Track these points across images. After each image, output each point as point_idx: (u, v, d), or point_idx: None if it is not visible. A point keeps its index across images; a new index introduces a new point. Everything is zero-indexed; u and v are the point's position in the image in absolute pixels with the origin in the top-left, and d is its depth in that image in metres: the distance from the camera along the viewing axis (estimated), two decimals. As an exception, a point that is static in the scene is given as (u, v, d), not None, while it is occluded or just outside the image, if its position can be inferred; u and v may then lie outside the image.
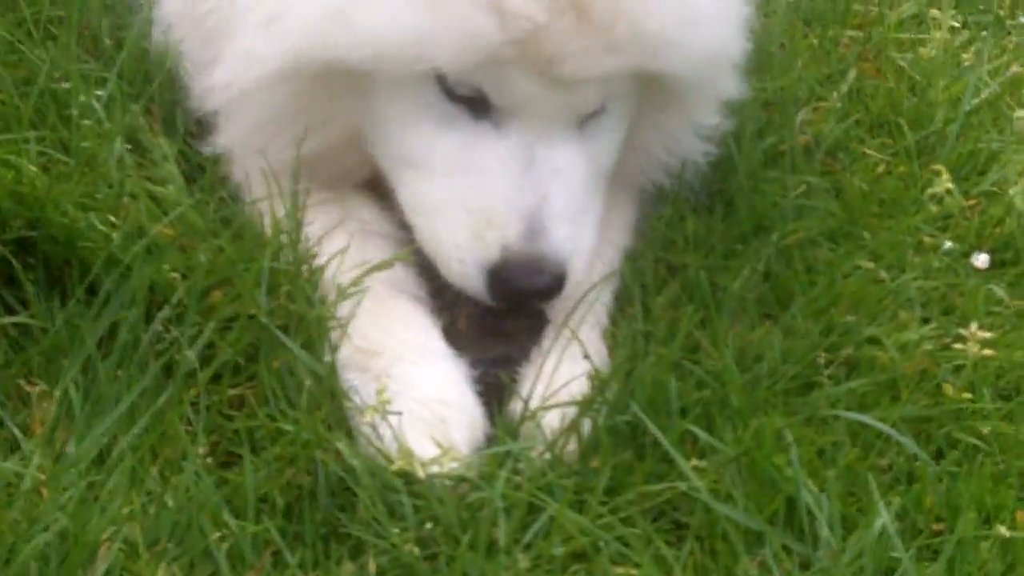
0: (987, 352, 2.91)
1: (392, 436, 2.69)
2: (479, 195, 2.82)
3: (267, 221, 2.94)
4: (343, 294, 2.83)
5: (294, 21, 2.79)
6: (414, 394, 2.76)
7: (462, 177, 2.83)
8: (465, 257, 2.80)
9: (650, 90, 2.92)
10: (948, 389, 2.86)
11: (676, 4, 2.79)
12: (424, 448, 2.67)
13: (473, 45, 2.70)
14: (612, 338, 2.90)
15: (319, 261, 2.88)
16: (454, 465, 2.66)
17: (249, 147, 2.97)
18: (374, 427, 2.70)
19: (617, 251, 3.06)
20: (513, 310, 2.86)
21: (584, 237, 2.86)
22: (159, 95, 3.07)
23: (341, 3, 2.75)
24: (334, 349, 2.79)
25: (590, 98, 2.83)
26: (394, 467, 2.64)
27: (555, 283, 2.79)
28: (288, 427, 2.67)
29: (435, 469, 2.64)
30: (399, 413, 2.69)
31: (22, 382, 2.74)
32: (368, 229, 2.96)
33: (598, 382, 2.79)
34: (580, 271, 2.84)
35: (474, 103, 2.81)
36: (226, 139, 3.00)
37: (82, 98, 2.99)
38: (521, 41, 2.70)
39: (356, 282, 2.83)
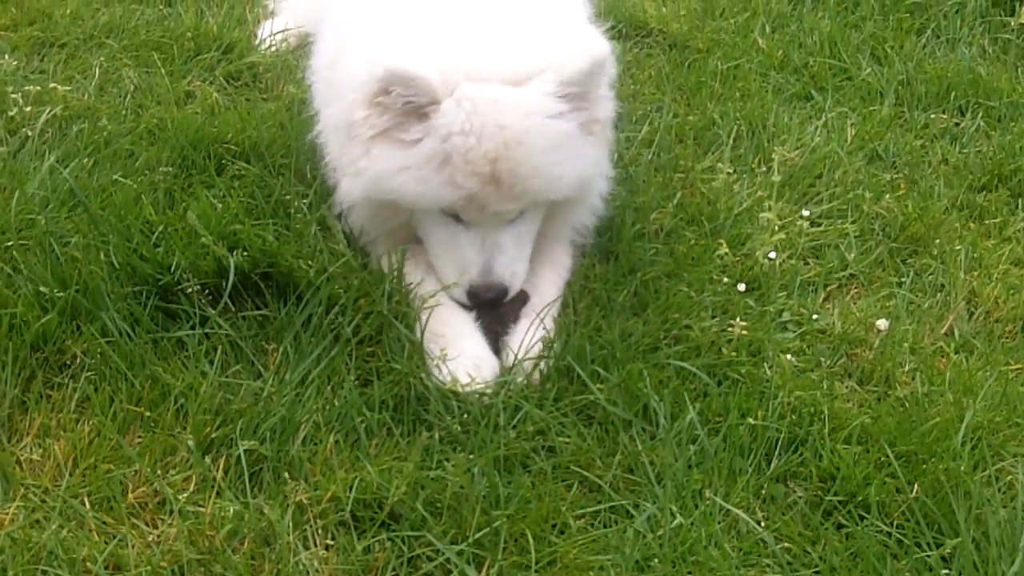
0: (744, 333, 2.97)
1: (448, 372, 2.76)
2: (459, 257, 2.87)
3: (383, 265, 2.97)
4: (423, 302, 2.88)
5: (365, 179, 2.85)
6: (460, 353, 2.81)
7: (452, 248, 2.88)
8: (454, 279, 2.88)
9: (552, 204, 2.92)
10: (725, 350, 2.93)
11: (552, 168, 2.79)
12: (464, 378, 2.74)
13: (444, 200, 2.77)
14: (556, 324, 2.94)
15: (409, 286, 2.93)
16: (480, 387, 2.73)
17: (362, 228, 3.02)
18: (439, 368, 2.77)
19: (561, 278, 3.06)
20: (487, 310, 2.89)
21: (518, 269, 2.89)
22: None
23: (383, 172, 2.80)
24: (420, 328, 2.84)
25: (510, 216, 2.84)
26: (448, 387, 2.73)
27: (499, 296, 2.86)
28: (397, 366, 2.75)
29: (469, 389, 2.72)
30: (455, 357, 2.77)
31: (264, 343, 2.82)
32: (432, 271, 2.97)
33: (549, 344, 2.86)
34: (518, 283, 2.89)
35: (457, 217, 2.84)
36: (352, 222, 3.02)
37: (296, 204, 3.09)
38: (469, 197, 2.76)
39: (430, 297, 2.88)
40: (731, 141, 3.86)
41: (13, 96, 3.52)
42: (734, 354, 2.94)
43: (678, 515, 2.51)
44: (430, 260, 2.93)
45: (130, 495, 2.47)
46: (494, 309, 2.90)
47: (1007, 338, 3.20)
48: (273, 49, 4.10)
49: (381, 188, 2.82)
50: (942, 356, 3.10)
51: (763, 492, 2.62)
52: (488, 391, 2.72)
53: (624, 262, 3.18)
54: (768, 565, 2.45)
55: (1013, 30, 4.68)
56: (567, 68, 2.77)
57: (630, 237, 3.26)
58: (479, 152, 2.73)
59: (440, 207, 2.82)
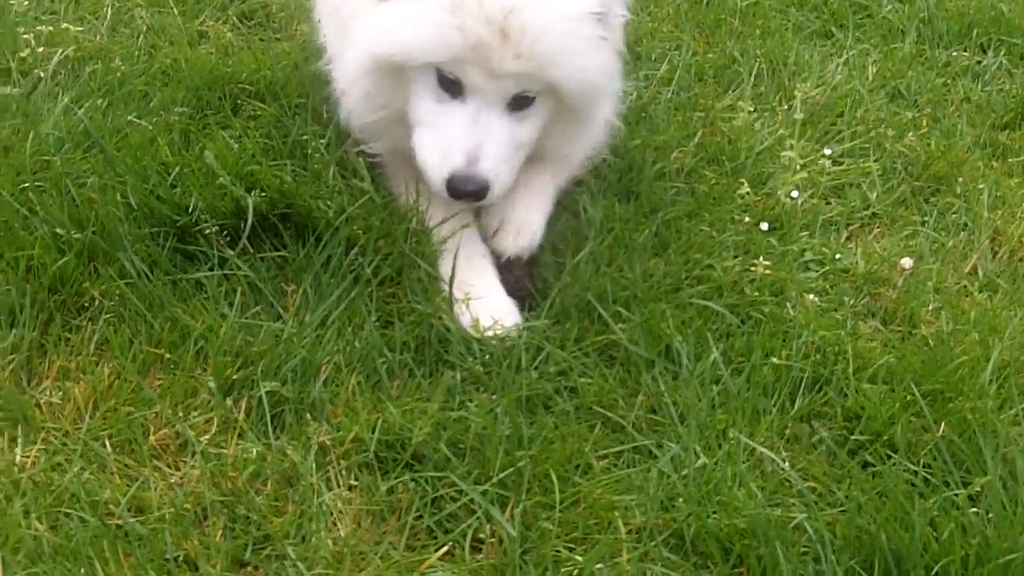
0: (767, 272, 2.94)
1: (471, 315, 2.72)
2: (445, 136, 2.73)
3: (401, 200, 2.91)
4: (443, 240, 2.83)
5: (376, 36, 2.74)
6: (486, 295, 2.77)
7: (439, 127, 2.74)
8: (435, 171, 2.73)
9: (559, 107, 2.80)
10: (747, 290, 2.90)
11: (560, 39, 2.67)
12: (488, 321, 2.71)
13: (450, 47, 2.65)
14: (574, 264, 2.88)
15: (432, 224, 2.87)
16: (500, 331, 2.69)
17: (355, 114, 2.89)
18: (462, 311, 2.73)
19: (553, 188, 2.99)
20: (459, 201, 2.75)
21: (503, 171, 2.74)
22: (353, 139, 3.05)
23: (395, 25, 2.71)
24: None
25: (511, 87, 2.70)
26: (471, 328, 2.69)
27: (481, 191, 2.71)
28: (418, 307, 2.71)
29: (490, 333, 2.68)
30: (480, 298, 2.73)
31: (283, 285, 2.78)
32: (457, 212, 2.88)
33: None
34: (500, 187, 2.74)
35: (452, 87, 2.71)
36: (346, 107, 2.90)
37: (313, 144, 3.03)
38: (473, 47, 2.64)
39: (450, 236, 2.83)
40: (751, 79, 3.80)
41: (25, 37, 3.46)
42: (757, 294, 2.91)
43: (702, 455, 2.49)
44: (414, 148, 2.79)
45: (151, 437, 2.44)
46: (472, 202, 2.77)
47: (1032, 277, 3.14)
48: (286, -12, 4.00)
49: (387, 44, 2.72)
50: (966, 295, 3.06)
51: (787, 432, 2.60)
52: (512, 335, 2.69)
53: (645, 202, 3.14)
54: (793, 504, 2.43)
55: (1036, -35, 4.58)
56: None
57: (651, 177, 3.21)
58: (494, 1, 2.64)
59: (444, 58, 2.69)
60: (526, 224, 2.89)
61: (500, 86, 2.70)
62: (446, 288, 2.79)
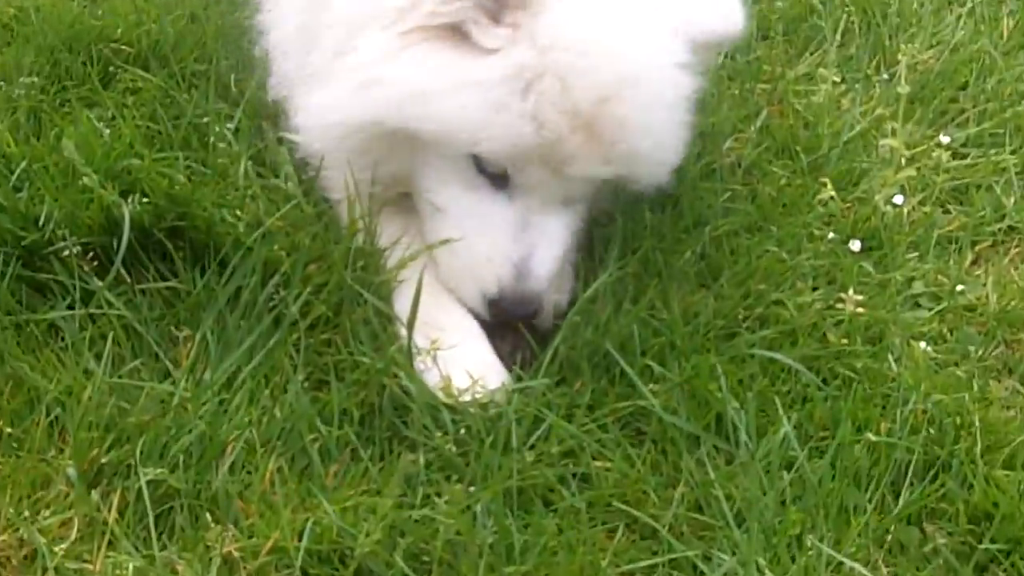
0: (859, 310, 2.96)
1: (439, 372, 2.74)
2: (486, 241, 2.84)
3: (344, 212, 2.94)
4: (402, 264, 2.87)
5: (387, 92, 2.77)
6: (460, 345, 2.81)
7: (474, 225, 2.84)
8: (473, 285, 2.84)
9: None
10: (831, 337, 2.92)
11: (658, 133, 2.82)
12: (463, 380, 2.73)
13: (514, 144, 2.73)
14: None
15: (384, 242, 2.92)
16: (481, 393, 2.71)
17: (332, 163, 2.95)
18: (426, 365, 2.76)
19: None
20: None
21: (564, 282, 2.91)
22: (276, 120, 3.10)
23: (426, 88, 2.74)
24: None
25: (581, 190, 2.86)
26: (440, 390, 2.71)
27: (534, 314, 2.84)
28: (364, 359, 2.72)
29: (467, 397, 2.71)
30: (453, 346, 2.77)
31: (173, 329, 2.79)
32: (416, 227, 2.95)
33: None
34: (558, 307, 2.87)
35: (495, 177, 2.81)
36: (312, 149, 2.96)
37: (217, 128, 3.03)
38: (547, 145, 2.73)
39: (410, 259, 2.87)
40: (837, 37, 3.85)
41: None
42: (845, 341, 2.94)
43: (767, 571, 2.50)
44: (434, 246, 2.90)
45: (-14, 546, 2.43)
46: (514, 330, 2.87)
47: None
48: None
49: (408, 112, 2.78)
50: None
51: (889, 539, 2.62)
52: (498, 399, 2.73)
53: (687, 211, 3.18)
54: (899, 642, 2.44)
55: None
56: (702, 23, 2.88)
57: (695, 175, 3.27)
58: (587, 83, 2.72)
59: (499, 154, 2.79)
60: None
61: (567, 189, 2.85)
62: (404, 333, 2.82)
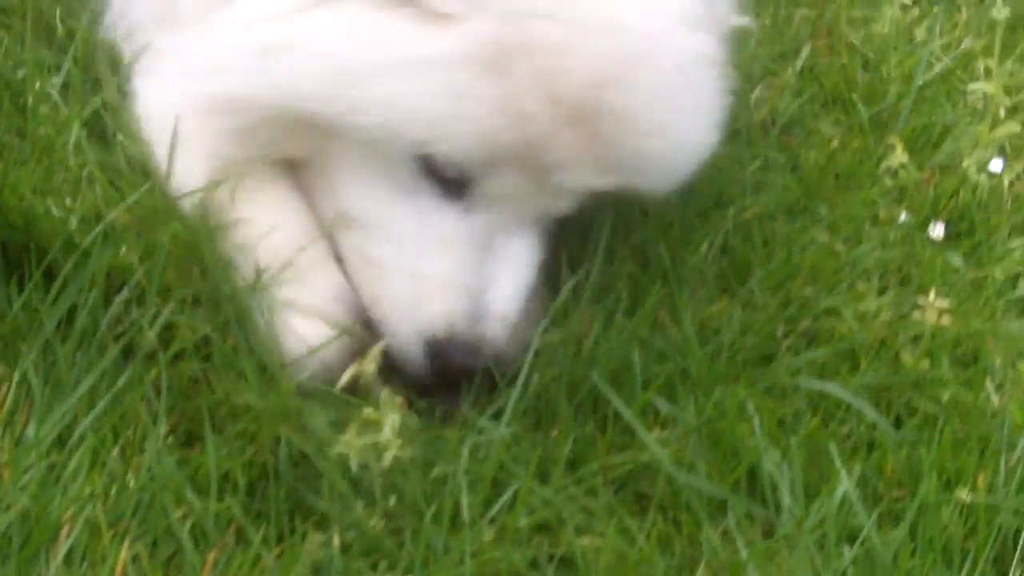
0: (944, 321, 3.00)
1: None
2: (431, 265, 2.87)
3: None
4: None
5: (300, 64, 2.81)
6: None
7: (416, 246, 2.89)
8: (406, 324, 2.87)
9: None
10: (906, 358, 2.95)
11: (677, 127, 2.87)
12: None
13: (484, 141, 2.76)
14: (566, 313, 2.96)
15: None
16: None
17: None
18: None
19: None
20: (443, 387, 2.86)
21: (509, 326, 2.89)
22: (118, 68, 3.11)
23: (360, 64, 2.78)
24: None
25: (566, 205, 2.91)
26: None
27: (489, 367, 2.85)
28: (252, 401, 2.73)
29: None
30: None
31: (-18, 364, 2.77)
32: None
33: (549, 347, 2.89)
34: (515, 352, 2.89)
35: (448, 183, 2.86)
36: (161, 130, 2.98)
37: (37, 85, 3.05)
38: (526, 144, 2.77)
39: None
40: (908, -58, 3.88)
41: None
42: (925, 364, 3.01)
43: None
44: (349, 269, 2.96)
45: None
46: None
47: None
48: None
49: (332, 96, 2.82)
50: None
51: (991, 633, 2.63)
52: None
53: (704, 189, 3.23)
54: None
55: None
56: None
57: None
58: (577, 62, 2.77)
59: (459, 156, 2.83)
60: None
61: (548, 203, 2.92)
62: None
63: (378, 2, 2.79)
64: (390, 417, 2.74)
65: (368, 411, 2.73)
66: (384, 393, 2.75)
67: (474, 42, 2.74)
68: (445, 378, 2.86)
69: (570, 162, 2.80)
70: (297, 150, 2.93)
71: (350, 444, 2.73)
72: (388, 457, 2.73)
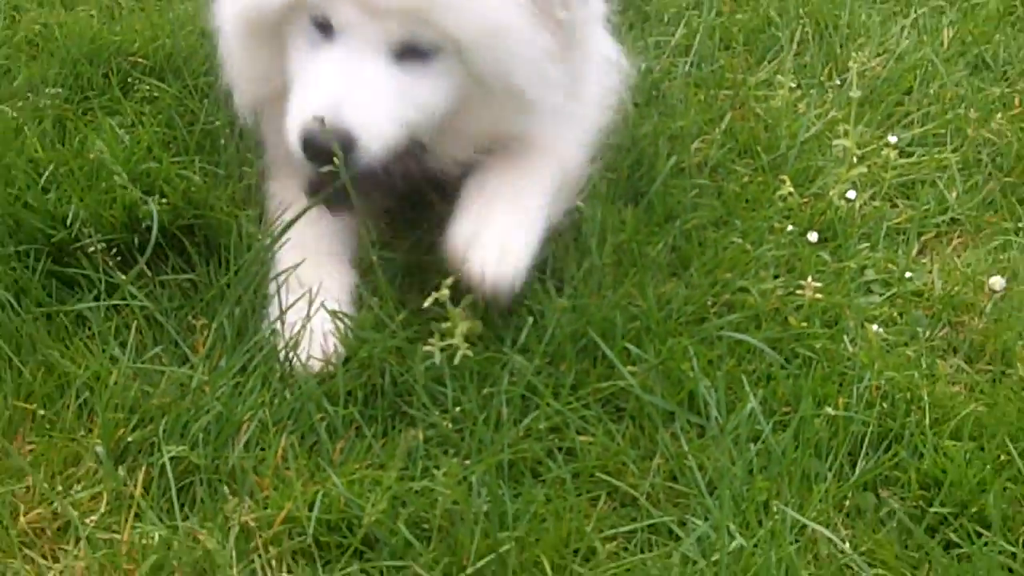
0: (817, 296, 2.97)
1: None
2: (309, 83, 2.77)
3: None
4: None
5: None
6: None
7: (304, 74, 2.79)
8: (291, 126, 2.74)
9: (472, 79, 2.82)
10: (792, 320, 2.93)
11: None
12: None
13: None
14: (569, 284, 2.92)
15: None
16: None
17: (241, 88, 2.99)
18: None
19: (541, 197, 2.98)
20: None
21: (378, 126, 2.74)
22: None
23: None
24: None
25: (394, 30, 2.74)
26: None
27: (343, 143, 2.69)
28: (366, 344, 2.72)
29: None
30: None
31: (190, 318, 2.81)
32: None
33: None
34: (372, 143, 2.73)
35: (325, 29, 2.76)
36: (230, 79, 3.00)
37: (227, 132, 3.05)
38: None
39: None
40: (793, 46, 3.87)
41: None
42: (805, 324, 2.95)
43: (738, 535, 2.51)
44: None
45: (22, 519, 2.45)
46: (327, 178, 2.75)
47: None
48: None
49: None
50: (1074, 324, 3.08)
51: (848, 504, 2.63)
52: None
53: (659, 206, 3.19)
54: (857, 597, 2.44)
55: None
56: None
57: (666, 173, 3.26)
58: None
59: (310, 5, 2.77)
60: (511, 242, 2.86)
61: (379, 28, 2.75)
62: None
63: None
64: (460, 326, 2.71)
65: (444, 324, 2.71)
66: (454, 310, 2.70)
67: None
68: (313, 157, 2.72)
69: None
70: (274, 54, 2.88)
71: (435, 344, 2.70)
72: (459, 356, 2.70)
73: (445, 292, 2.67)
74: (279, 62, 2.85)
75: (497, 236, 2.83)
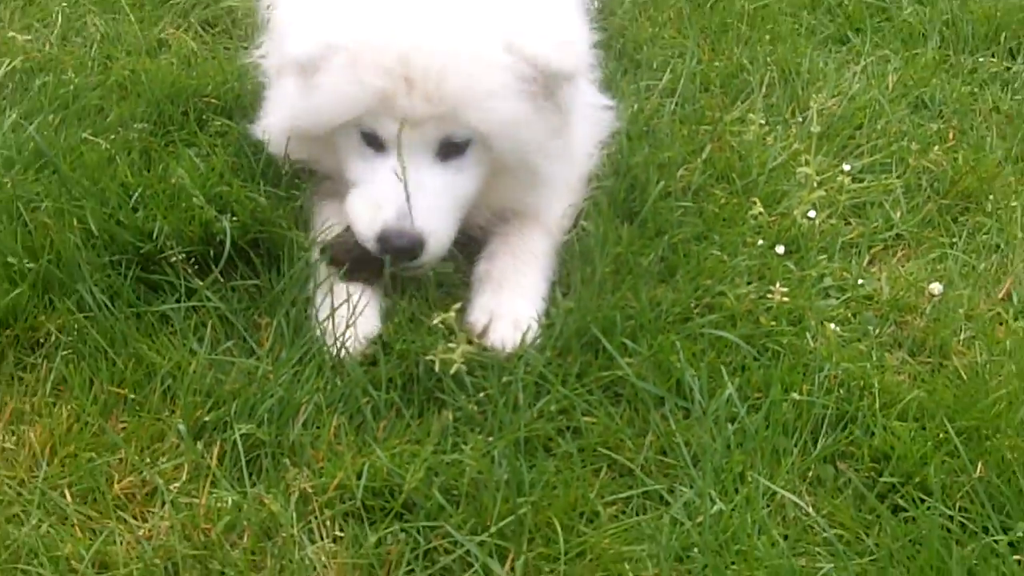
0: (784, 300, 2.97)
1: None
2: (374, 192, 2.81)
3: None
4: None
5: (282, 104, 2.98)
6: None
7: (366, 183, 2.83)
8: (366, 229, 2.80)
9: (497, 162, 2.88)
10: (763, 320, 2.93)
11: (468, 80, 2.76)
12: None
13: (355, 103, 2.77)
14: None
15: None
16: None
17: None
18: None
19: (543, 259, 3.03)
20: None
21: (439, 226, 2.82)
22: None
23: (297, 96, 2.87)
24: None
25: (432, 133, 2.78)
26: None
27: (413, 246, 2.78)
28: (404, 340, 2.74)
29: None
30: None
31: (256, 317, 2.82)
32: None
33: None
34: (436, 245, 2.81)
35: (375, 142, 2.81)
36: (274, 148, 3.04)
37: (286, 162, 3.04)
38: (380, 99, 2.75)
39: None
40: (762, 89, 3.85)
41: (-34, 47, 3.46)
42: (773, 323, 2.94)
43: (718, 500, 2.52)
44: (347, 212, 2.89)
45: (116, 486, 2.46)
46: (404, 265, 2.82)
47: (1072, 303, 3.18)
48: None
49: (299, 115, 2.89)
50: (1001, 323, 3.09)
51: (811, 474, 2.63)
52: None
53: (650, 224, 3.18)
54: (819, 553, 2.46)
55: (1069, -37, 4.63)
56: (529, 46, 2.81)
57: (655, 196, 3.25)
58: (389, 45, 2.76)
59: (353, 115, 2.81)
60: (520, 316, 2.86)
61: (420, 133, 2.80)
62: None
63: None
64: (461, 347, 2.73)
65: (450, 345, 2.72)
66: (460, 332, 2.75)
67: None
68: (392, 253, 2.80)
69: (406, 102, 2.77)
70: (331, 159, 2.94)
71: (436, 356, 2.71)
72: (453, 368, 2.70)
73: (452, 315, 2.70)
74: (328, 156, 2.93)
75: (509, 313, 2.85)
